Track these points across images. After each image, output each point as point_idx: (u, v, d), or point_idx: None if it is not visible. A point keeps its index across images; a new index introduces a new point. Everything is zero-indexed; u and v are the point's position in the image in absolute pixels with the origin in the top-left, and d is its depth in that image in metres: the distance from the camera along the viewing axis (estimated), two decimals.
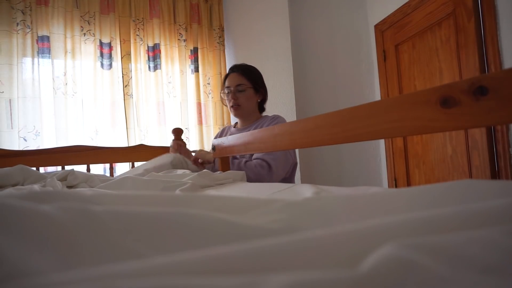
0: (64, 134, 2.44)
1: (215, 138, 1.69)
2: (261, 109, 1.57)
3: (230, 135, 1.54)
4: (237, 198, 0.35)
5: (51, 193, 0.30)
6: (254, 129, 1.43)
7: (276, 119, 1.45)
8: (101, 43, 2.62)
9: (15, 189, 0.93)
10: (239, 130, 1.51)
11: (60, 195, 0.30)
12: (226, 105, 1.54)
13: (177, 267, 0.17)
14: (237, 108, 1.47)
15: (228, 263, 0.17)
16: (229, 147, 1.26)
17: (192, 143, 2.82)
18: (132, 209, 0.26)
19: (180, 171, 1.25)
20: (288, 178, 1.44)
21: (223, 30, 3.04)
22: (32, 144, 2.33)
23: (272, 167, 1.31)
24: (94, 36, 2.60)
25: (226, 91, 1.48)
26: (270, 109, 2.48)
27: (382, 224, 0.21)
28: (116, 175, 1.42)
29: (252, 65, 1.58)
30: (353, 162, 2.47)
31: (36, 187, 0.96)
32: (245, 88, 1.44)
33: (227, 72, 1.56)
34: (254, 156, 1.38)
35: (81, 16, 2.57)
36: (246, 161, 1.35)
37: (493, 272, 0.15)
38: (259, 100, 1.51)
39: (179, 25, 2.89)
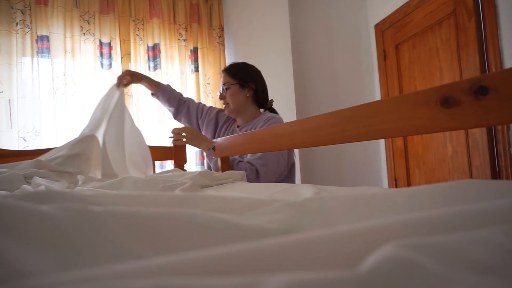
0: (64, 134, 2.44)
1: (207, 109, 1.65)
2: (260, 104, 1.52)
3: (232, 131, 1.54)
4: (237, 198, 0.35)
5: (50, 194, 0.30)
6: (250, 129, 1.42)
7: (270, 120, 1.42)
8: (100, 43, 2.62)
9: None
10: (240, 129, 1.51)
11: (60, 195, 0.30)
12: None
13: (177, 267, 0.17)
14: (226, 106, 1.49)
15: (228, 263, 0.17)
16: (229, 147, 1.26)
17: None
18: (132, 209, 0.26)
19: (180, 172, 1.25)
20: (286, 179, 1.43)
21: (223, 30, 3.03)
22: (32, 144, 2.33)
23: (260, 173, 1.31)
24: (94, 36, 2.60)
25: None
26: None
27: (382, 224, 0.21)
28: None
29: (252, 64, 1.57)
30: (353, 162, 2.47)
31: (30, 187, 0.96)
32: (229, 85, 1.47)
33: None
34: (247, 158, 1.37)
35: (80, 16, 2.57)
36: (239, 161, 1.36)
37: (493, 272, 0.15)
38: (249, 95, 1.48)
39: (179, 25, 2.88)
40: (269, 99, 1.57)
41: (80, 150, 1.29)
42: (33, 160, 1.22)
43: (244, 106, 1.48)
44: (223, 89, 1.48)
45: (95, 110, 1.49)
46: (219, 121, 1.61)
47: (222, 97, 1.50)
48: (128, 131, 1.43)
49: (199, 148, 1.45)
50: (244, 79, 1.48)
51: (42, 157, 1.28)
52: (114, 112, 1.42)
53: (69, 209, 0.24)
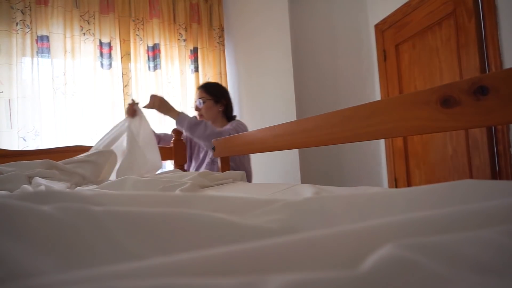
0: (64, 134, 2.44)
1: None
2: (228, 117, 1.82)
3: None
4: (237, 198, 0.35)
5: (51, 194, 0.30)
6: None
7: (234, 123, 1.70)
8: (100, 43, 2.61)
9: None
10: None
11: (60, 195, 0.30)
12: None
13: (177, 268, 0.17)
14: (200, 117, 1.77)
15: (228, 263, 0.17)
16: (229, 147, 1.26)
17: None
18: (132, 209, 0.26)
19: (180, 172, 1.26)
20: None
21: (223, 30, 3.03)
22: (32, 144, 2.33)
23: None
24: (94, 36, 2.60)
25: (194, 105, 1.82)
26: (270, 109, 2.48)
27: (382, 224, 0.21)
28: None
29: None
30: (353, 162, 2.47)
31: (30, 187, 0.97)
32: (205, 100, 1.76)
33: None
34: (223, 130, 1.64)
35: (80, 16, 2.57)
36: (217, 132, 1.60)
37: (492, 272, 0.15)
38: (220, 110, 1.79)
39: (179, 25, 2.88)
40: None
41: (96, 159, 1.36)
42: (43, 160, 1.24)
43: (216, 118, 1.77)
44: (199, 102, 1.76)
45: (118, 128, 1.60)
46: None
47: (198, 109, 1.77)
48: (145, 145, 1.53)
49: (168, 115, 1.64)
50: (218, 96, 1.78)
51: (60, 162, 1.32)
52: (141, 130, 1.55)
53: (69, 209, 0.24)
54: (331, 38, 2.51)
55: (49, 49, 2.45)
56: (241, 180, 1.11)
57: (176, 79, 2.84)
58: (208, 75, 2.96)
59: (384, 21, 2.39)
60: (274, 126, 0.99)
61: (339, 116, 0.72)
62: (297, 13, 2.41)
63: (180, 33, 2.88)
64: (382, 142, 2.47)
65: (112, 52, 2.64)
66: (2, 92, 2.31)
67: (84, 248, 0.23)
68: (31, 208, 0.24)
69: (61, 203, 0.25)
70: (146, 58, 2.76)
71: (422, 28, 2.06)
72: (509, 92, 0.44)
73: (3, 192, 0.88)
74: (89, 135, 2.53)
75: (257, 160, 2.69)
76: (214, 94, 1.77)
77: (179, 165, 1.76)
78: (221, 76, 2.94)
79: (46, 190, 0.32)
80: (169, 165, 2.51)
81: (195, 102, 1.79)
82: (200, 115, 1.77)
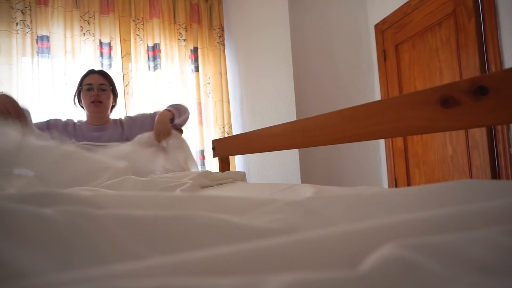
0: None
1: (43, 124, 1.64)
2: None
3: (81, 130, 1.57)
4: (237, 198, 0.35)
5: (51, 195, 0.30)
6: (113, 129, 1.60)
7: (125, 118, 1.70)
8: (100, 43, 2.61)
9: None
10: (97, 128, 1.58)
11: (60, 197, 0.30)
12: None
13: (177, 268, 0.17)
14: (99, 104, 1.57)
15: (228, 263, 0.17)
16: (230, 147, 1.26)
17: (193, 143, 2.82)
18: (133, 212, 0.26)
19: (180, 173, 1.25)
20: None
21: (223, 30, 3.03)
22: None
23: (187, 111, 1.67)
24: (94, 36, 2.60)
25: (86, 87, 1.57)
26: (270, 109, 2.48)
27: (382, 224, 0.21)
28: None
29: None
30: (353, 162, 2.47)
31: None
32: (107, 88, 1.59)
33: (85, 74, 1.65)
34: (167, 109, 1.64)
35: (80, 16, 2.57)
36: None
37: (493, 272, 0.15)
38: (114, 104, 1.68)
39: (179, 24, 2.88)
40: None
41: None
42: None
43: (108, 111, 1.64)
44: (99, 87, 1.57)
45: None
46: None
47: (98, 94, 1.56)
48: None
49: (169, 127, 1.54)
50: (115, 90, 1.67)
51: None
52: None
53: (70, 211, 0.24)
54: (331, 38, 2.51)
55: (49, 49, 2.45)
56: (241, 180, 1.11)
57: (177, 79, 2.84)
58: (208, 75, 2.96)
59: (384, 21, 2.39)
60: (274, 126, 0.99)
61: (339, 116, 0.72)
62: (297, 13, 2.41)
63: (180, 33, 2.88)
64: (382, 142, 2.47)
65: (112, 52, 2.64)
66: (2, 92, 2.31)
67: (85, 250, 0.23)
68: (31, 211, 0.24)
69: (61, 205, 0.25)
70: (146, 58, 2.76)
71: (422, 28, 2.06)
72: (509, 92, 0.44)
73: (2, 193, 0.88)
74: None
75: (257, 160, 2.68)
76: (113, 86, 1.66)
77: None
78: (221, 76, 2.94)
79: (46, 191, 0.32)
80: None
81: (90, 84, 1.57)
82: (99, 101, 1.57)
